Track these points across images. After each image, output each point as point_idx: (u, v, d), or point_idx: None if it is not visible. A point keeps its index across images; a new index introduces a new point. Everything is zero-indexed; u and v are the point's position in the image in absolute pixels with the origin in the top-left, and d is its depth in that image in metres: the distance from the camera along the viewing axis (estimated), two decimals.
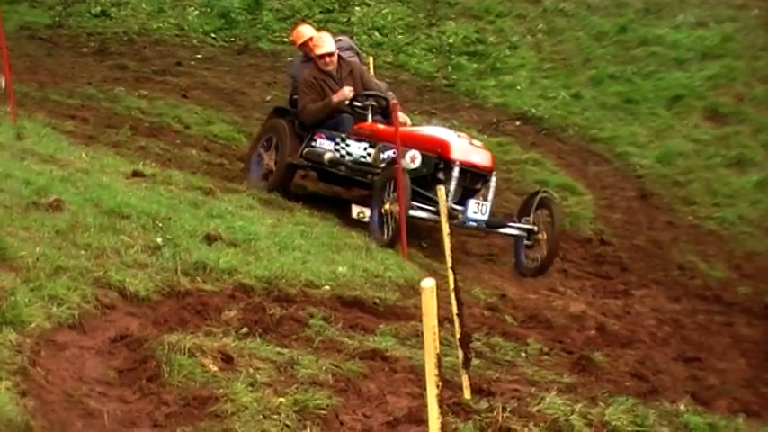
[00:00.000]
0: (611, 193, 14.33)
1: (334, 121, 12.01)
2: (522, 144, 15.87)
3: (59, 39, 19.59)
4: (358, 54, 13.11)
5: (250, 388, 6.24)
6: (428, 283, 4.42)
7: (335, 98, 11.81)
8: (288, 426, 5.90)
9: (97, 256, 8.00)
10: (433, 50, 18.64)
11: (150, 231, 8.91)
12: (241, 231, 9.67)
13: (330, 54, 12.04)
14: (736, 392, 8.81)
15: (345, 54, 12.57)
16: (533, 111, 17.01)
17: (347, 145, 11.83)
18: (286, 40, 19.36)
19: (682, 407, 7.68)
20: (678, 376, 9.14)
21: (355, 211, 11.95)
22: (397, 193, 10.72)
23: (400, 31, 19.20)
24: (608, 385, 8.24)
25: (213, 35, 19.83)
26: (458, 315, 6.63)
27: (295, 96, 12.51)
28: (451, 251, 6.64)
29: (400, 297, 8.94)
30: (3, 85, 12.76)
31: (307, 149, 12.08)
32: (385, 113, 12.01)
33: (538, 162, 15.18)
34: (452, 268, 6.61)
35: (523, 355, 8.76)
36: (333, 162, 11.85)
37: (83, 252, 8.01)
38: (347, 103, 11.90)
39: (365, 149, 11.71)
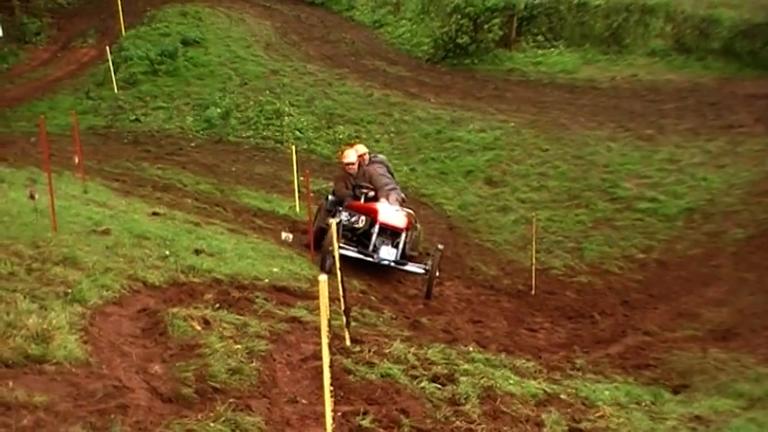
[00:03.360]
0: (432, 226, 14.46)
1: (342, 201, 11.54)
2: None
3: (110, 134, 19.27)
4: (387, 166, 12.34)
5: (220, 339, 6.20)
6: (323, 278, 4.47)
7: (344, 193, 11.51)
8: (242, 361, 5.87)
9: (130, 261, 7.87)
10: (330, 142, 18.69)
11: (162, 247, 8.78)
12: (216, 247, 9.57)
13: (351, 163, 11.60)
14: (501, 340, 8.99)
15: (375, 165, 11.97)
16: None
17: (341, 214, 11.27)
18: (244, 135, 19.30)
19: (471, 349, 7.83)
20: (469, 331, 9.28)
21: (283, 235, 11.88)
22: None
23: (311, 130, 19.22)
24: (429, 337, 8.35)
25: (201, 131, 19.60)
26: (343, 296, 6.68)
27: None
28: (339, 259, 6.70)
29: (310, 286, 8.92)
30: (77, 160, 12.60)
31: (327, 218, 11.30)
32: (375, 198, 11.37)
33: None
34: (340, 269, 6.66)
35: (381, 320, 8.84)
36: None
37: (121, 259, 7.87)
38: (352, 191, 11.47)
39: (346, 217, 11.16)
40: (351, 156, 11.72)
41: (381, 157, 12.67)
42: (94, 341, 5.64)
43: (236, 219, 12.81)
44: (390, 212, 10.99)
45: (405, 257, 10.96)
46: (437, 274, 10.69)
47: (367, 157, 12.08)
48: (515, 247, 13.86)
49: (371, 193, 11.43)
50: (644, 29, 22.22)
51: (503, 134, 17.93)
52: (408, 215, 11.23)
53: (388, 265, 10.82)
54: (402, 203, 11.86)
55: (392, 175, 12.40)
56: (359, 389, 5.92)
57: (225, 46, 23.91)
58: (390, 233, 10.91)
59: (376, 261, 10.73)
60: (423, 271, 10.68)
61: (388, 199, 11.40)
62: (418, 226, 12.12)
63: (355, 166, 11.67)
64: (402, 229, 10.91)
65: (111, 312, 6.44)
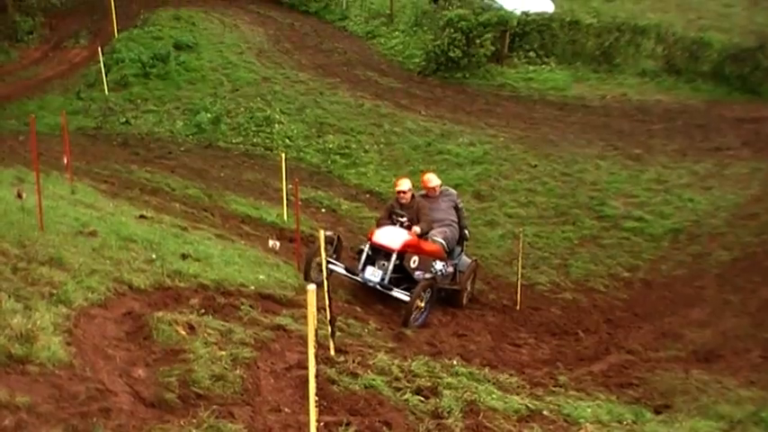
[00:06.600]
0: None
1: None
2: (369, 208, 15.96)
3: (100, 135, 19.24)
4: (455, 203, 11.56)
5: (204, 345, 6.18)
6: (311, 287, 4.48)
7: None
8: (226, 368, 5.86)
9: (116, 264, 7.83)
10: (320, 151, 18.68)
11: (148, 250, 8.76)
12: (203, 252, 9.54)
13: (403, 192, 11.01)
14: (484, 354, 8.97)
15: (441, 198, 11.38)
16: (377, 188, 17.10)
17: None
18: (234, 141, 19.27)
19: (455, 362, 7.83)
20: (453, 345, 9.27)
21: (270, 243, 11.86)
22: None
23: (301, 139, 19.19)
24: (413, 349, 8.33)
25: (190, 136, 19.56)
26: (329, 305, 6.68)
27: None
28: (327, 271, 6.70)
29: (295, 294, 8.91)
30: (65, 161, 12.56)
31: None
32: (410, 227, 10.73)
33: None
34: (327, 278, 6.67)
35: (366, 330, 8.82)
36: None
37: (108, 261, 7.84)
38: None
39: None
40: (402, 185, 11.12)
41: (450, 191, 11.92)
42: (78, 343, 5.61)
43: (223, 225, 12.78)
44: (386, 233, 10.46)
45: (409, 282, 10.27)
46: (422, 304, 9.95)
47: (439, 189, 11.47)
48: (501, 261, 13.89)
49: (407, 222, 10.79)
50: (635, 49, 22.43)
51: (492, 149, 17.99)
52: (414, 238, 10.51)
53: (375, 288, 10.22)
54: (459, 241, 11.44)
55: (458, 211, 11.60)
56: (342, 399, 5.91)
57: (217, 51, 23.92)
58: (384, 254, 10.33)
59: (361, 281, 10.27)
60: (407, 299, 9.82)
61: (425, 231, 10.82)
62: (466, 258, 11.63)
63: (408, 196, 11.01)
64: (393, 251, 10.24)
65: (96, 315, 6.40)
